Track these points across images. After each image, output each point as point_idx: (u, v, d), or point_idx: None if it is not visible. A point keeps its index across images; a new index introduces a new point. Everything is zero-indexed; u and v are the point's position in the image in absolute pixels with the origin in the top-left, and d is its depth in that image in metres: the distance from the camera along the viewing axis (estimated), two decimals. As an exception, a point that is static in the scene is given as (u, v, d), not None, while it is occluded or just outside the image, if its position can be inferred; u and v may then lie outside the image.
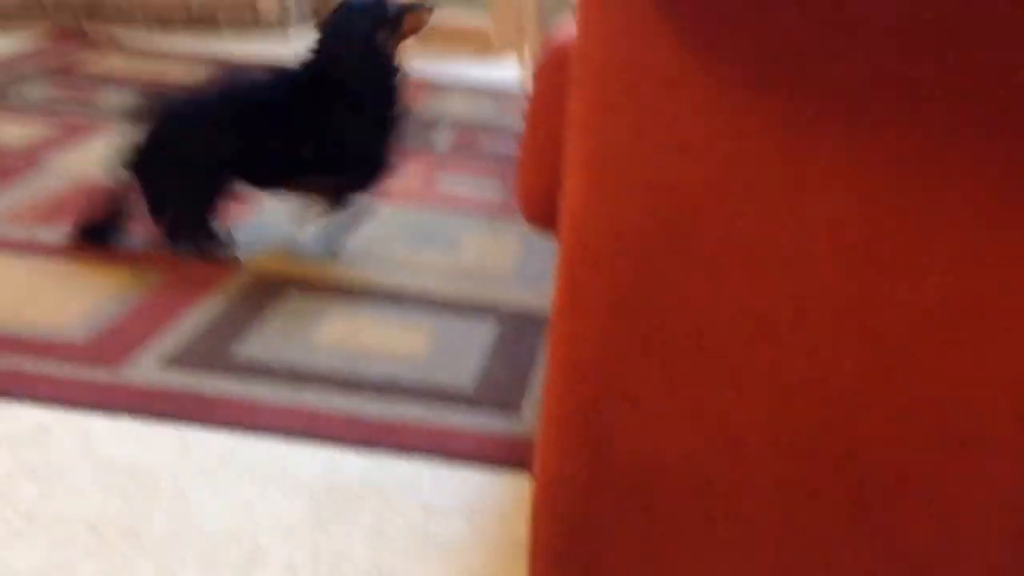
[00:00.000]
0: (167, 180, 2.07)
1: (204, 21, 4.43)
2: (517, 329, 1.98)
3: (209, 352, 1.79)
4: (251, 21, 4.51)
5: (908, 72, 1.08)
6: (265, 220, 2.40)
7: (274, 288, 2.06)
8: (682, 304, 1.16)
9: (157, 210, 2.08)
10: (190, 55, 4.01)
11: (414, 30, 2.19)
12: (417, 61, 4.23)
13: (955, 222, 1.10)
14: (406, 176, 2.79)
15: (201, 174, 2.07)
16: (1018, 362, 1.12)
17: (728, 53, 1.11)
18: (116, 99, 3.27)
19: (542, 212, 1.41)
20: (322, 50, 2.14)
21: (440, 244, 2.36)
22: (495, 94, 3.68)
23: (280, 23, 4.54)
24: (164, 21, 4.34)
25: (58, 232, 2.20)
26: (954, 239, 1.10)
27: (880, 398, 1.15)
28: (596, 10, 1.14)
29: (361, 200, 2.26)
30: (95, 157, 2.70)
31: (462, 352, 1.88)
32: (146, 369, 1.72)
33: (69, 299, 1.92)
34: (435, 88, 3.79)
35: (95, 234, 2.13)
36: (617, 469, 1.23)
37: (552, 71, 1.33)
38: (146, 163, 2.06)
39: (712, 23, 1.11)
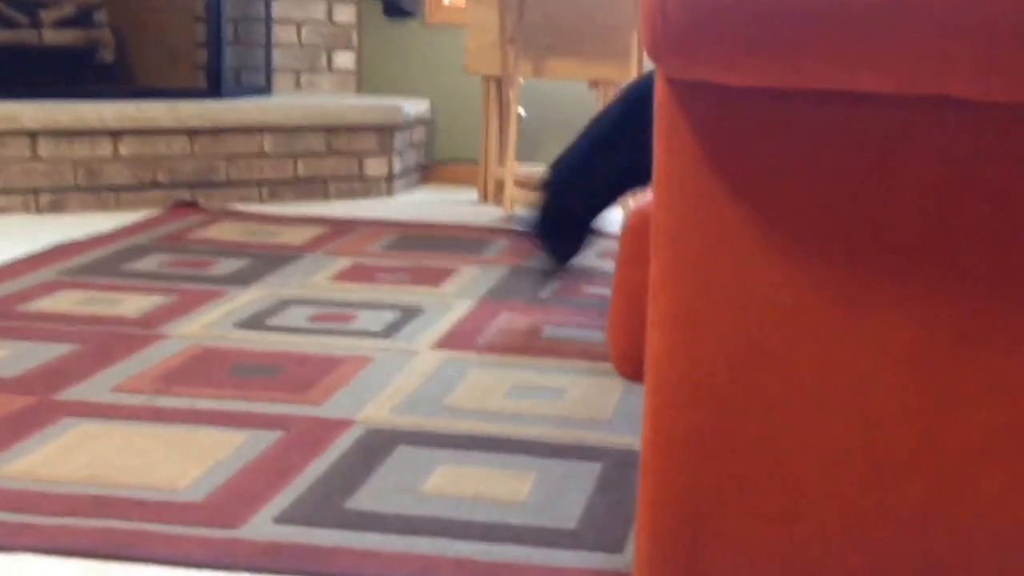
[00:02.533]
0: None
1: (313, 188, 4.62)
2: (620, 470, 2.03)
3: (322, 507, 1.88)
4: (359, 188, 4.69)
5: (953, 221, 1.15)
6: (372, 375, 2.50)
7: (384, 442, 2.14)
8: (757, 442, 1.22)
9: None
10: (300, 218, 4.18)
11: None
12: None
13: (999, 358, 1.16)
14: (509, 325, 2.89)
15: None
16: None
17: (787, 214, 1.19)
18: (229, 266, 3.43)
19: (634, 366, 1.49)
20: None
21: (544, 392, 2.44)
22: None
23: (387, 187, 4.72)
24: (275, 190, 4.54)
25: (177, 399, 2.32)
26: (1001, 373, 1.16)
27: (947, 522, 1.20)
28: (668, 179, 1.24)
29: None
30: (210, 323, 2.84)
31: (566, 494, 1.94)
32: (261, 526, 1.81)
33: (186, 462, 2.02)
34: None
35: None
36: (712, 600, 1.28)
37: (635, 235, 1.42)
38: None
39: (768, 194, 1.19)
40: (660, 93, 1.24)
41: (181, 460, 2.03)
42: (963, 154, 1.15)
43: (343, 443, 2.13)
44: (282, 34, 5.07)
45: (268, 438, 2.14)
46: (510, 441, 2.16)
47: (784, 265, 1.20)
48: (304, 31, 5.11)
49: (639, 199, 1.47)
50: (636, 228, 1.42)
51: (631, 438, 2.17)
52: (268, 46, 5.01)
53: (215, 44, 4.70)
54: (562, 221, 2.82)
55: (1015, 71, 1.08)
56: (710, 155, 1.21)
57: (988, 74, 1.09)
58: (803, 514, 1.24)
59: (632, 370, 1.47)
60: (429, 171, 5.19)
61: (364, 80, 5.24)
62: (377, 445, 2.13)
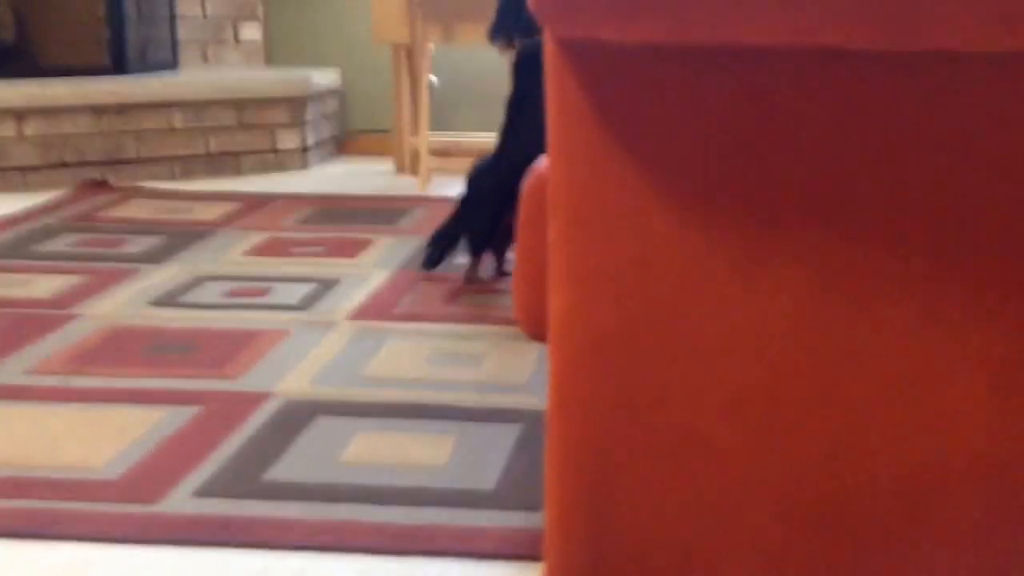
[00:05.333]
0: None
1: (226, 163, 4.62)
2: (537, 432, 2.09)
3: (240, 479, 1.91)
4: (273, 162, 4.70)
5: (844, 174, 1.21)
6: (289, 348, 2.53)
7: (303, 413, 2.18)
8: (660, 397, 1.28)
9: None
10: (213, 194, 4.19)
11: None
12: (439, 181, 4.40)
13: (893, 309, 1.22)
14: (428, 297, 2.93)
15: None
16: (961, 429, 1.23)
17: (680, 170, 1.24)
18: (142, 244, 3.43)
19: (539, 327, 1.54)
20: None
21: (463, 359, 2.48)
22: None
23: (301, 160, 4.73)
24: (186, 167, 4.54)
25: (91, 379, 2.34)
26: (894, 323, 1.22)
27: (848, 467, 1.26)
28: (559, 146, 1.28)
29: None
30: (123, 302, 2.85)
31: (485, 457, 1.99)
32: (180, 501, 1.84)
33: (103, 441, 2.05)
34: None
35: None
36: (617, 554, 1.33)
37: (533, 197, 1.47)
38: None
39: (661, 150, 1.24)
40: (549, 54, 1.28)
41: (97, 439, 2.06)
42: (850, 106, 1.20)
43: (261, 416, 2.17)
44: (186, 7, 5.05)
45: (185, 414, 2.17)
46: (429, 407, 2.21)
47: (679, 221, 1.25)
48: (208, 3, 5.09)
49: (538, 163, 1.52)
50: (534, 190, 1.46)
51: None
52: (172, 19, 4.98)
53: (118, 19, 4.68)
54: (480, 207, 2.91)
55: (895, 20, 1.14)
56: (601, 113, 1.26)
57: (869, 24, 1.14)
58: (707, 467, 1.30)
59: (538, 331, 1.51)
60: (343, 143, 5.21)
61: (272, 52, 5.23)
62: (295, 416, 2.16)
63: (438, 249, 3.07)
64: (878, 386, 1.25)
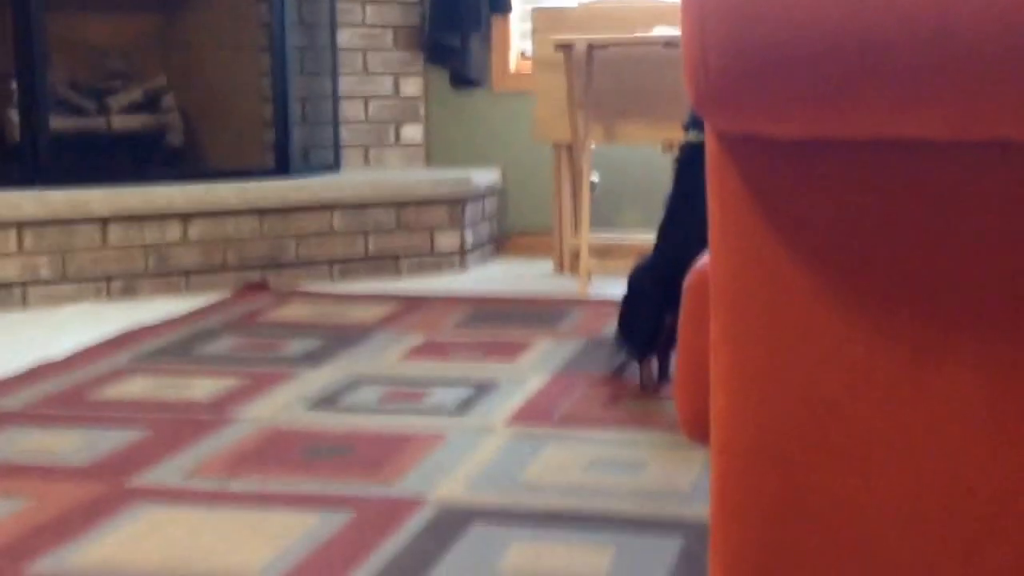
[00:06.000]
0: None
1: (384, 264, 4.67)
2: (701, 544, 2.03)
3: (394, 588, 1.89)
4: (431, 263, 4.74)
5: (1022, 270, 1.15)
6: (445, 453, 2.51)
7: (458, 520, 2.16)
8: (830, 505, 1.22)
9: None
10: (371, 295, 4.23)
11: None
12: (599, 280, 4.38)
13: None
14: (588, 402, 2.90)
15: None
16: None
17: (848, 265, 1.20)
18: (300, 346, 3.48)
19: (702, 430, 1.50)
20: None
21: (623, 466, 2.44)
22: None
23: (460, 261, 4.76)
24: (345, 268, 4.60)
25: (248, 482, 2.35)
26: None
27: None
28: (719, 239, 1.25)
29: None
30: (281, 405, 2.88)
31: (647, 570, 1.94)
32: (334, 609, 1.83)
33: (258, 547, 2.05)
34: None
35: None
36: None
37: (695, 294, 1.43)
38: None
39: (821, 244, 1.20)
40: (710, 148, 1.26)
41: (253, 543, 2.06)
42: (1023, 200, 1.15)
43: (416, 523, 2.15)
44: (349, 110, 5.16)
45: (339, 519, 2.16)
46: (588, 516, 2.17)
47: (848, 318, 1.20)
48: (371, 106, 5.20)
49: (700, 259, 1.49)
50: (696, 287, 1.43)
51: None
52: (335, 123, 5.10)
53: (282, 123, 4.79)
54: (641, 311, 2.89)
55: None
56: (763, 208, 1.22)
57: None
58: (874, 573, 1.24)
59: (700, 434, 1.47)
60: (502, 242, 5.23)
61: (433, 152, 5.31)
62: (451, 524, 2.14)
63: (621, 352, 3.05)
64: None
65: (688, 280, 1.47)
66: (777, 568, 1.24)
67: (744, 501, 1.24)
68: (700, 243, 1.53)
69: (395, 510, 2.21)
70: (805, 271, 1.22)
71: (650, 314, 2.87)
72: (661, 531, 2.10)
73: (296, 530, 2.12)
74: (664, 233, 2.92)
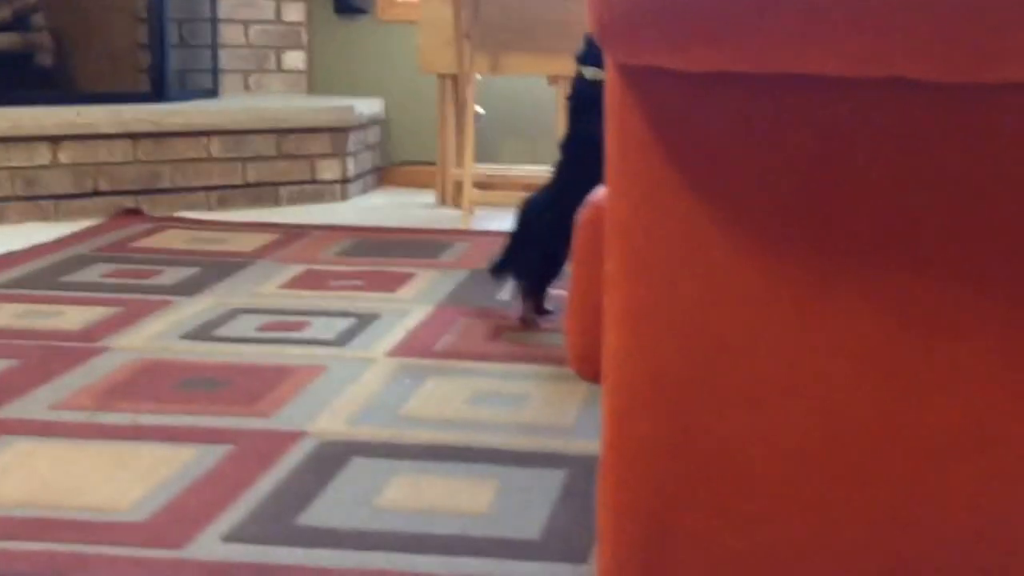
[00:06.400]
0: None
1: (264, 193, 4.60)
2: (585, 478, 2.03)
3: (273, 523, 1.86)
4: (312, 193, 4.68)
5: (913, 209, 1.16)
6: (325, 385, 2.49)
7: (338, 454, 2.13)
8: (719, 442, 1.22)
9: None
10: (250, 224, 4.17)
11: None
12: (481, 213, 4.36)
13: (962, 349, 1.17)
14: (470, 334, 2.89)
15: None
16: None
17: (745, 203, 1.19)
18: (175, 275, 3.41)
19: (593, 367, 1.49)
20: None
21: (506, 399, 2.43)
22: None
23: (341, 191, 4.71)
24: (223, 196, 4.52)
25: (119, 415, 2.30)
26: (964, 364, 1.16)
27: (917, 519, 1.20)
28: (620, 175, 1.24)
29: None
30: (155, 335, 2.82)
31: (529, 504, 1.93)
32: (209, 546, 1.79)
33: (130, 481, 2.00)
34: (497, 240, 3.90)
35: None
36: (676, 607, 1.27)
37: (588, 230, 1.42)
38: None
39: (724, 183, 1.20)
40: (611, 80, 1.24)
41: (124, 479, 2.02)
42: (922, 139, 1.15)
43: (295, 456, 2.12)
44: (229, 34, 5.05)
45: (216, 453, 2.13)
46: (470, 450, 2.16)
47: (743, 256, 1.20)
48: (252, 31, 5.10)
49: (593, 195, 1.47)
50: (589, 223, 1.41)
51: (596, 444, 2.16)
52: (214, 47, 4.99)
53: (159, 45, 4.68)
54: (533, 246, 2.86)
55: (969, 50, 1.09)
56: (663, 143, 1.21)
57: (942, 54, 1.09)
58: (769, 516, 1.24)
59: (592, 371, 1.47)
60: (385, 174, 5.18)
61: (315, 80, 5.23)
62: (330, 458, 2.12)
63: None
64: (950, 433, 1.19)
65: (581, 215, 1.45)
66: (668, 507, 1.24)
67: (636, 437, 1.24)
68: (595, 181, 1.52)
69: (273, 444, 2.18)
70: (703, 208, 1.21)
71: (544, 250, 2.86)
72: (544, 465, 2.09)
73: (170, 465, 2.08)
74: (560, 173, 2.89)
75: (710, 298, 1.23)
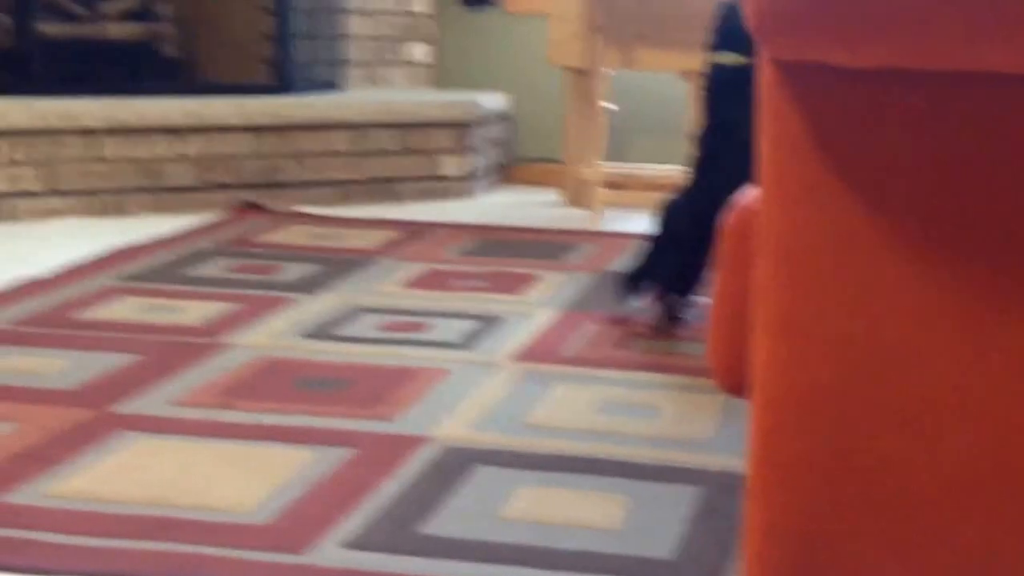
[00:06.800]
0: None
1: (386, 189, 4.59)
2: (721, 495, 1.96)
3: (395, 532, 1.83)
4: (435, 189, 4.66)
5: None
6: (448, 389, 2.45)
7: (462, 461, 2.09)
8: (878, 462, 1.16)
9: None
10: (371, 221, 4.16)
11: None
12: (613, 214, 4.31)
13: None
14: (599, 340, 2.84)
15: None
16: None
17: (911, 207, 1.13)
18: (296, 271, 3.40)
19: (736, 380, 1.43)
20: None
21: (637, 409, 2.38)
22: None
23: (465, 188, 4.68)
24: (345, 191, 4.52)
25: (240, 413, 2.29)
26: None
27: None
28: (773, 178, 1.18)
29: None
30: (276, 333, 2.81)
31: (662, 521, 1.88)
32: (329, 552, 1.76)
33: (251, 482, 1.98)
34: (627, 242, 3.84)
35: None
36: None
37: (736, 236, 1.36)
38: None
39: (889, 186, 1.13)
40: (765, 79, 1.18)
41: (245, 479, 2.00)
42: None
43: (417, 462, 2.08)
44: (354, 26, 5.05)
45: (337, 456, 2.10)
46: (600, 462, 2.10)
47: (908, 264, 1.13)
48: (378, 22, 5.09)
49: (739, 197, 1.41)
50: (738, 228, 1.35)
51: (734, 460, 2.10)
52: (339, 38, 4.99)
53: (283, 37, 4.69)
54: (674, 250, 2.79)
55: None
56: (823, 143, 1.15)
57: None
58: (931, 542, 1.18)
59: (735, 385, 1.40)
60: (509, 171, 5.15)
61: (441, 74, 5.21)
62: (454, 465, 2.08)
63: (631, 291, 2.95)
64: None
65: (727, 220, 1.39)
66: (823, 533, 1.18)
67: (790, 460, 1.18)
68: (744, 179, 1.45)
69: (395, 448, 2.14)
70: (864, 213, 1.14)
71: (685, 255, 2.78)
72: (677, 480, 2.03)
73: (290, 466, 2.05)
74: (702, 168, 2.81)
75: (870, 310, 1.16)
